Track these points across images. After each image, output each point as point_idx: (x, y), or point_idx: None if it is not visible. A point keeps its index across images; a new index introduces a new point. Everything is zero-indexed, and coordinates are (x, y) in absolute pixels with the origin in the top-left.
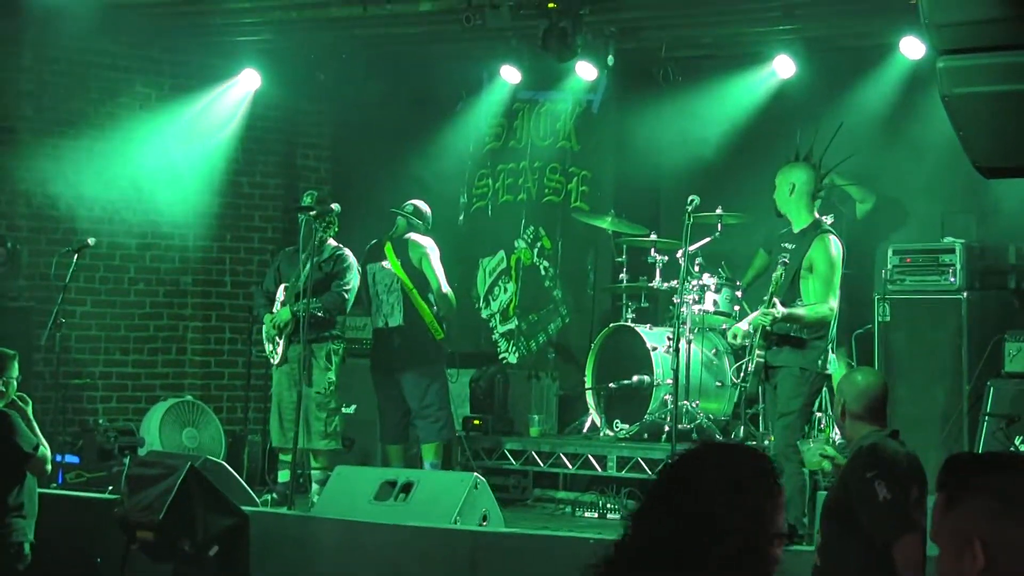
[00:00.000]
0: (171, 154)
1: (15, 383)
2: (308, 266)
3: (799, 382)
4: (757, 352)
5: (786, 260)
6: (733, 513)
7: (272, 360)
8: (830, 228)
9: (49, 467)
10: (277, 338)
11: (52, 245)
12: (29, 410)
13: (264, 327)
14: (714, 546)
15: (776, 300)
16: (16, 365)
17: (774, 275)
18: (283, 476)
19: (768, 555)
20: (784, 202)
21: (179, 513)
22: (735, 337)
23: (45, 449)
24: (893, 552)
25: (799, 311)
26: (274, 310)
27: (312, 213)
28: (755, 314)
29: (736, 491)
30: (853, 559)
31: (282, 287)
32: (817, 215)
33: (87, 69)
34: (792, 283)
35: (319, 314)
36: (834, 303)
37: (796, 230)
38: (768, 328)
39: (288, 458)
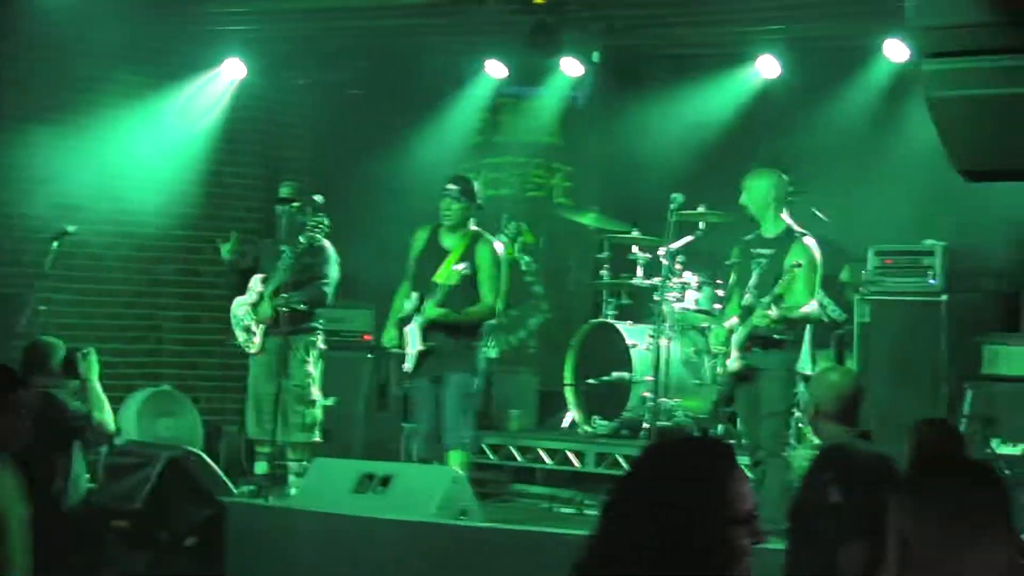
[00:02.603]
0: (153, 143)
1: (95, 385)
2: (290, 259)
3: (786, 383)
4: (735, 353)
5: (763, 264)
6: (691, 502)
7: (248, 349)
8: (805, 231)
9: (111, 429)
10: (254, 327)
11: (31, 232)
12: (84, 363)
13: (232, 313)
14: (675, 537)
15: (771, 303)
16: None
17: (751, 281)
18: (260, 468)
19: (732, 544)
20: (759, 207)
21: (156, 503)
22: (717, 338)
23: (100, 414)
24: (838, 556)
25: (790, 313)
26: (248, 300)
27: (295, 205)
28: (734, 320)
29: (692, 480)
30: (812, 562)
31: (258, 278)
32: (789, 220)
33: (70, 57)
34: (772, 287)
35: (300, 308)
36: (816, 304)
37: (769, 235)
38: (758, 329)
39: (265, 449)
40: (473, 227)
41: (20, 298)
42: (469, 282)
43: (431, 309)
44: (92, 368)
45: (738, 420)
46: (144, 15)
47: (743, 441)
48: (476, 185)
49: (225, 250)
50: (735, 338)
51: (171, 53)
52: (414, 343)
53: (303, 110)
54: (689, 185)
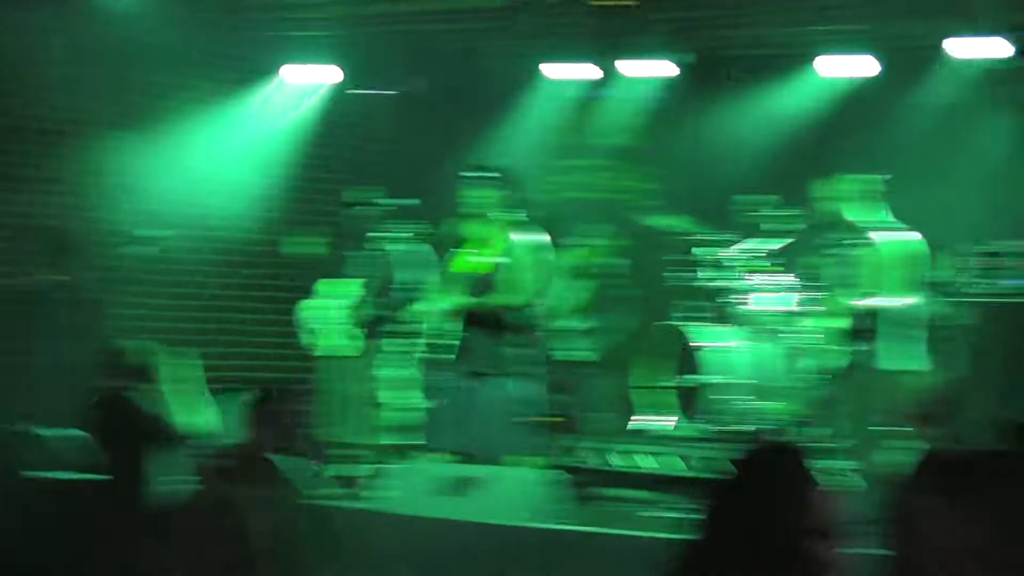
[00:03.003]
0: (231, 147)
1: (171, 388)
2: (367, 264)
3: (882, 381)
4: (829, 350)
5: (852, 261)
6: (771, 512)
7: (319, 352)
8: (893, 227)
9: (189, 431)
10: (327, 331)
11: (116, 237)
12: (169, 373)
13: (304, 314)
14: (756, 547)
15: (858, 298)
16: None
17: (842, 279)
18: (343, 469)
19: (815, 556)
20: (846, 207)
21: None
22: (809, 337)
23: (187, 416)
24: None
25: (883, 308)
26: (324, 304)
27: (368, 208)
28: (827, 319)
29: (773, 489)
30: (905, 566)
31: (334, 282)
32: (875, 218)
33: (151, 63)
34: (862, 283)
35: (380, 312)
36: (908, 300)
37: (856, 234)
38: (852, 324)
39: (348, 451)
40: (502, 215)
41: (103, 303)
42: (501, 271)
43: (467, 300)
44: (168, 372)
45: (833, 419)
46: (224, 21)
47: (834, 442)
48: (502, 174)
49: (298, 246)
50: (829, 335)
51: (247, 59)
52: (453, 336)
53: (383, 114)
54: (772, 186)
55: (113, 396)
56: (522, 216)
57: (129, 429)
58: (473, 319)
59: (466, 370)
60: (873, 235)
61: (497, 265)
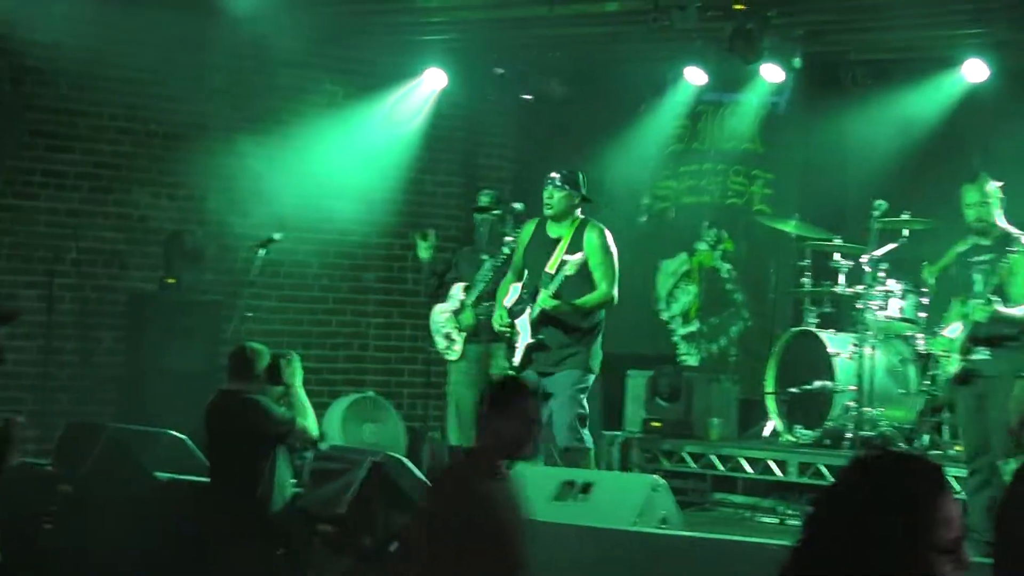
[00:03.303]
0: (356, 151)
1: (299, 390)
2: (490, 269)
3: (1006, 390)
4: (958, 357)
5: (985, 267)
6: (889, 526)
7: (448, 357)
8: None
9: (314, 433)
10: (454, 335)
11: (238, 240)
12: (288, 369)
13: (432, 320)
14: (871, 562)
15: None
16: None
17: (975, 288)
18: None
19: (932, 569)
20: (981, 215)
21: (361, 508)
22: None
23: (303, 419)
24: None
25: (1012, 312)
26: (450, 307)
27: (494, 213)
28: (955, 326)
29: (892, 502)
30: None
31: (460, 286)
32: (1006, 224)
33: (275, 67)
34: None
35: (481, 315)
36: None
37: (987, 242)
38: (980, 328)
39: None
40: (580, 215)
41: (228, 305)
42: (582, 271)
43: (544, 299)
44: (296, 374)
45: (957, 427)
46: (346, 25)
47: (955, 450)
48: (580, 176)
49: (422, 248)
50: (956, 340)
51: (373, 63)
52: (525, 336)
53: (503, 119)
54: (892, 191)
55: (236, 397)
56: (596, 220)
57: (251, 431)
58: (546, 319)
59: (537, 370)
60: (1000, 242)
61: (570, 265)
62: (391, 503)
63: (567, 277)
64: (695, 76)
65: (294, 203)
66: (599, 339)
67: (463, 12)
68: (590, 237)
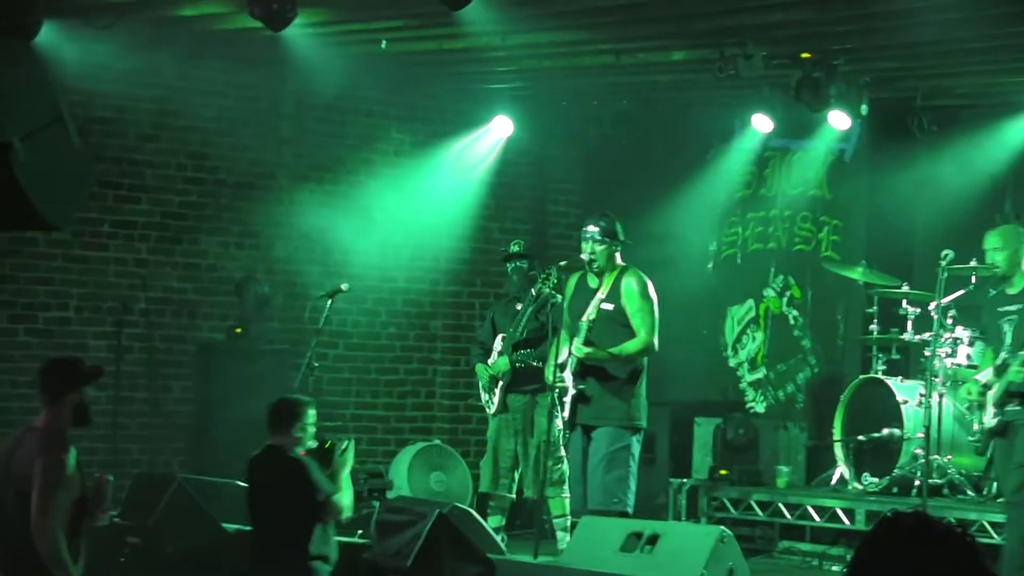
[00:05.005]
0: (423, 199)
1: (311, 429)
2: (524, 315)
3: None
4: (992, 410)
5: (1012, 318)
6: None
7: (488, 410)
8: None
9: (347, 514)
10: (494, 387)
11: (306, 289)
12: (341, 457)
13: (479, 377)
14: None
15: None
16: (311, 412)
17: (1006, 339)
18: (492, 522)
19: None
20: (1009, 264)
21: (427, 560)
22: (969, 393)
23: (342, 496)
24: None
25: None
26: (490, 361)
27: (526, 260)
28: (987, 372)
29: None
30: None
31: (500, 337)
32: None
33: (344, 116)
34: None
35: (535, 364)
36: None
37: (1014, 291)
38: (1014, 385)
39: (498, 504)
40: (620, 262)
41: (295, 354)
42: (620, 319)
43: (577, 348)
44: (347, 463)
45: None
46: (414, 75)
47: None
48: (617, 224)
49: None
50: (991, 394)
51: (441, 111)
52: (572, 390)
53: (571, 165)
54: (959, 237)
55: (278, 454)
56: (633, 267)
57: (285, 490)
58: (586, 370)
59: (581, 423)
60: None
61: (608, 313)
62: (458, 555)
63: (592, 322)
64: (762, 123)
65: (361, 251)
66: (642, 390)
67: (530, 61)
68: (628, 284)
